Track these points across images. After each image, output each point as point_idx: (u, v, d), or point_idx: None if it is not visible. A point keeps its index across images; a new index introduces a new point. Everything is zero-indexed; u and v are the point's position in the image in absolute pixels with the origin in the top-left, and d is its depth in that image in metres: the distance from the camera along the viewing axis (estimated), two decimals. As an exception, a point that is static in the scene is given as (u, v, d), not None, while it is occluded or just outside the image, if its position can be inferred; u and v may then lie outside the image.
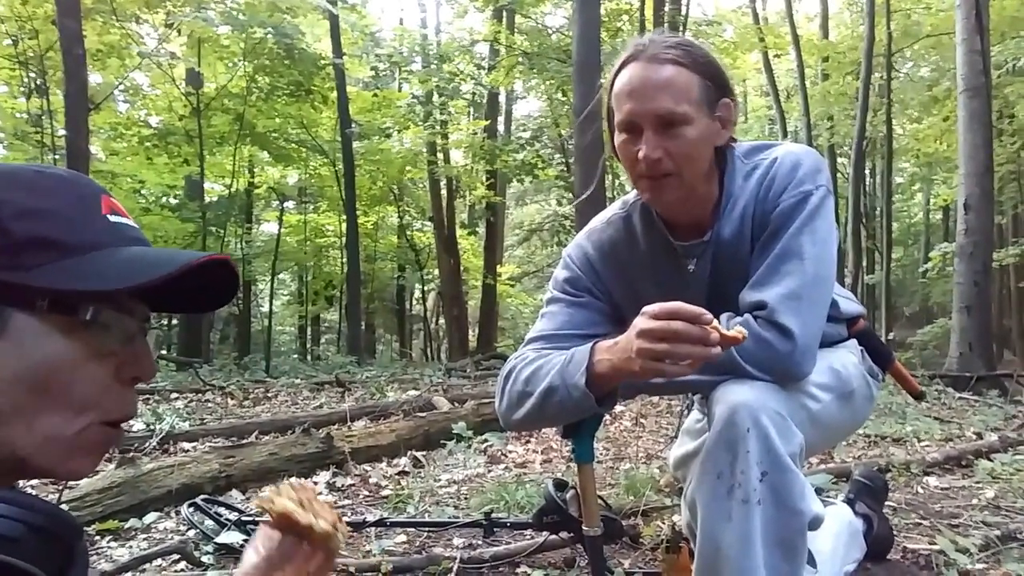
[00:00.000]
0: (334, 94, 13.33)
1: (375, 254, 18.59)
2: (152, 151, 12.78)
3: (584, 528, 1.58)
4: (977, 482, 3.12)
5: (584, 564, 2.06)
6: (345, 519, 2.40)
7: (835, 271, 1.41)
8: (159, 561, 2.17)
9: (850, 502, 2.09)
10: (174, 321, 13.45)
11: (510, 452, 3.86)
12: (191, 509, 2.47)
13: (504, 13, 14.96)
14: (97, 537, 2.38)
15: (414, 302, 22.72)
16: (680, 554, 1.73)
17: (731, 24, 17.57)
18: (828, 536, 1.78)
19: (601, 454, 3.78)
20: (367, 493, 3.08)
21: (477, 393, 5.92)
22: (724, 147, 1.42)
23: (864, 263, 17.05)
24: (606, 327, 1.49)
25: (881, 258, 16.03)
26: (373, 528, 2.43)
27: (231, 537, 2.21)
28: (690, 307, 1.12)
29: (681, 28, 12.80)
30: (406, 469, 3.52)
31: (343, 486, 3.16)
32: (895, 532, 2.21)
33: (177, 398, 6.46)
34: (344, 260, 15.25)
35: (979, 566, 2.01)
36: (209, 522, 2.37)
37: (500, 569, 2.09)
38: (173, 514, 2.69)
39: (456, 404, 5.12)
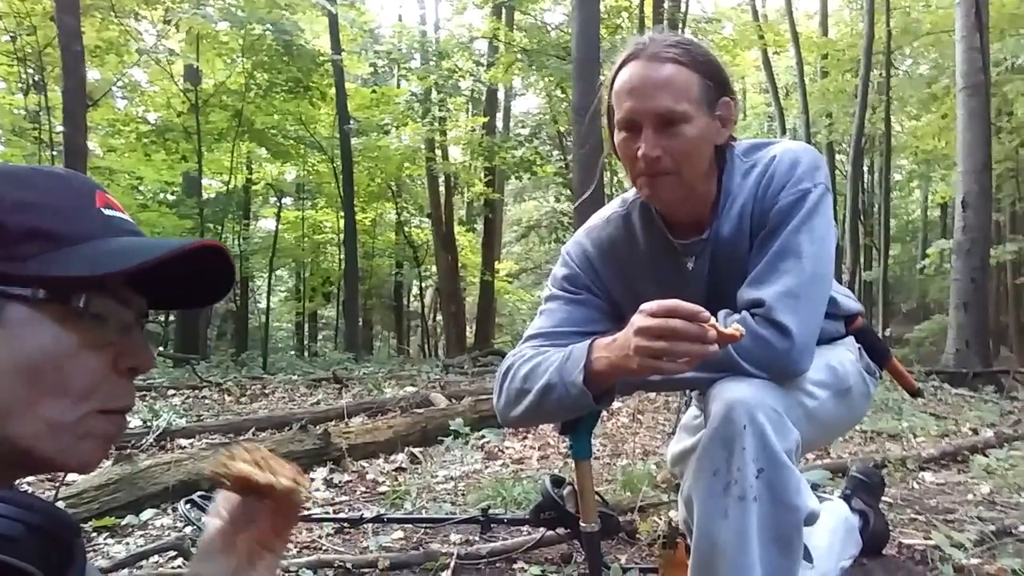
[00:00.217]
0: (333, 91, 13.31)
1: (373, 250, 18.59)
2: (150, 147, 12.76)
3: (581, 524, 1.58)
4: (973, 478, 3.13)
5: (581, 560, 2.06)
6: (342, 515, 2.40)
7: (833, 269, 1.41)
8: (156, 558, 2.17)
9: (846, 498, 2.10)
10: (171, 317, 13.43)
11: (507, 448, 3.86)
12: (188, 506, 2.47)
13: (503, 10, 14.94)
14: (94, 534, 2.38)
15: (412, 298, 22.71)
16: (677, 550, 1.73)
17: (730, 21, 17.56)
18: (824, 532, 1.79)
19: (598, 450, 3.79)
20: (364, 489, 3.09)
21: (474, 389, 5.93)
22: (724, 146, 1.42)
23: (862, 260, 17.05)
24: (605, 325, 1.49)
25: (879, 255, 16.03)
26: (370, 524, 2.43)
27: (228, 533, 2.21)
28: (688, 305, 1.12)
29: (680, 25, 12.78)
30: (403, 465, 3.52)
31: (340, 482, 3.16)
32: (891, 527, 2.22)
33: (174, 394, 6.46)
34: (342, 256, 15.24)
35: (974, 561, 2.01)
36: (206, 519, 2.36)
37: (497, 565, 2.09)
38: (170, 511, 2.69)
39: (453, 400, 5.13)
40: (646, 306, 1.16)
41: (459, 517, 2.44)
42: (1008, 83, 12.31)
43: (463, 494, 2.93)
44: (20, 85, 11.22)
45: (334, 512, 2.65)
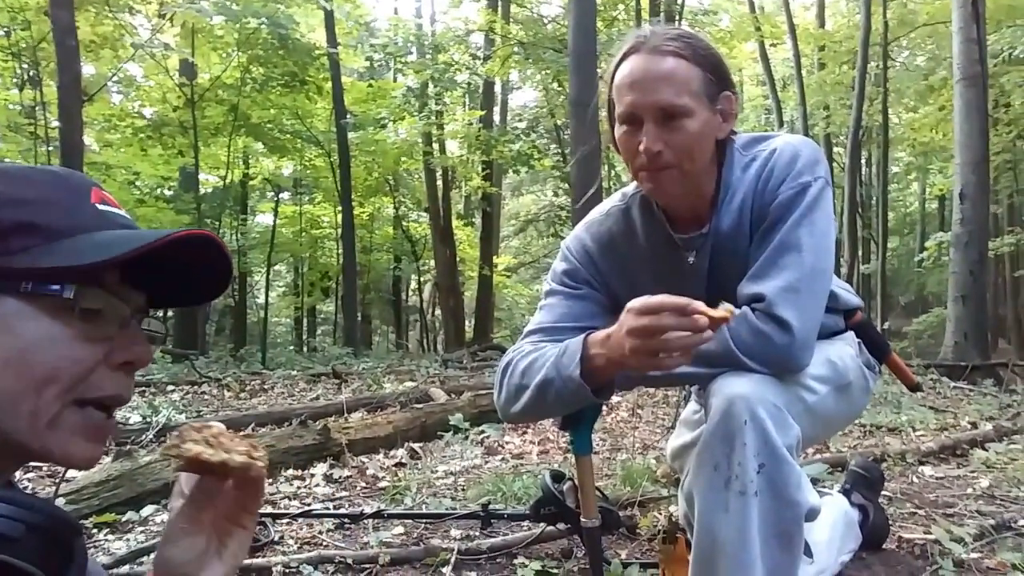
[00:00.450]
0: (329, 85, 13.27)
1: (371, 245, 18.57)
2: (146, 142, 12.73)
3: (581, 519, 1.58)
4: (972, 471, 3.14)
5: (581, 555, 2.07)
6: (342, 511, 2.40)
7: (833, 263, 1.41)
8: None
9: (846, 492, 2.10)
10: (169, 313, 13.43)
11: (507, 443, 3.87)
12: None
13: (499, 2, 14.89)
14: (95, 530, 2.37)
15: (410, 293, 22.71)
16: (677, 545, 1.73)
17: (727, 13, 17.52)
18: (824, 526, 1.79)
19: (598, 445, 3.79)
20: (364, 485, 3.08)
21: (474, 384, 5.93)
22: (724, 140, 1.42)
23: (860, 252, 17.08)
24: (605, 319, 1.49)
25: (877, 247, 16.05)
26: (370, 520, 2.43)
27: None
28: (674, 299, 1.11)
29: (677, 17, 12.75)
30: (403, 461, 3.52)
31: (340, 478, 3.16)
32: (891, 522, 2.22)
33: (173, 390, 6.46)
34: (340, 251, 15.24)
35: (974, 555, 2.02)
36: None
37: (497, 560, 2.09)
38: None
39: (453, 395, 5.13)
40: (633, 305, 1.15)
41: (459, 512, 2.44)
42: (1005, 74, 12.31)
43: (463, 489, 2.93)
44: (15, 80, 11.17)
45: (334, 508, 2.65)
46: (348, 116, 13.32)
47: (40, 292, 0.64)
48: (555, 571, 1.98)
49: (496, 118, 17.58)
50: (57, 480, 2.97)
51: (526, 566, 1.98)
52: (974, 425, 4.35)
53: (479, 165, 16.39)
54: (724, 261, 1.43)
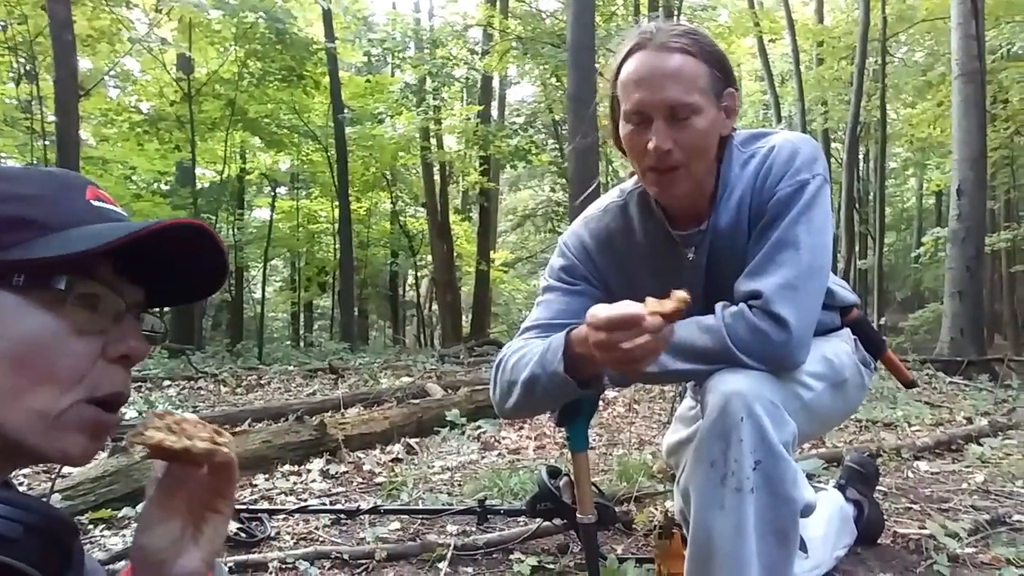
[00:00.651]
0: (326, 79, 13.25)
1: (368, 240, 18.57)
2: (143, 137, 12.70)
3: (577, 515, 1.58)
4: (967, 467, 3.14)
5: (577, 550, 2.07)
6: (339, 507, 2.40)
7: (831, 260, 1.41)
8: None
9: (841, 487, 2.11)
10: (166, 308, 13.39)
11: (503, 439, 3.87)
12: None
13: (497, -3, 14.86)
14: (90, 526, 2.37)
15: (407, 288, 22.71)
16: (673, 540, 1.73)
17: (726, 8, 17.50)
18: (819, 522, 1.80)
19: (594, 440, 3.80)
20: (361, 480, 3.08)
21: (470, 379, 5.93)
22: (725, 136, 1.42)
23: (857, 248, 17.10)
24: None
25: (874, 243, 16.08)
26: (367, 516, 2.43)
27: (225, 525, 2.21)
28: (621, 313, 1.09)
29: (676, 12, 12.72)
30: (400, 456, 3.52)
31: (337, 473, 3.16)
32: (886, 517, 2.23)
33: (169, 385, 6.45)
34: (337, 246, 15.24)
35: (968, 550, 2.03)
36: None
37: (494, 556, 2.10)
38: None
39: (449, 391, 5.12)
40: (589, 319, 1.14)
41: (456, 508, 2.44)
42: (1004, 70, 12.32)
43: (460, 485, 2.93)
44: (11, 75, 11.12)
45: (330, 503, 2.65)
46: (345, 111, 13.30)
47: (33, 285, 0.64)
48: (551, 566, 1.98)
49: (494, 113, 17.57)
50: (52, 477, 2.97)
51: (522, 561, 1.99)
52: (969, 420, 4.36)
53: (477, 160, 16.37)
54: (722, 258, 1.43)
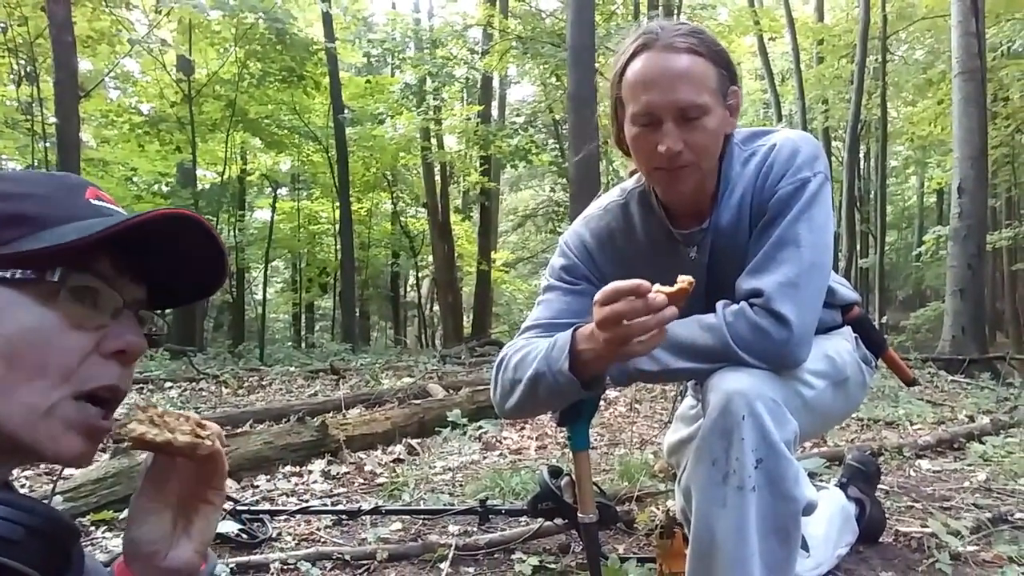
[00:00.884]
0: (326, 80, 13.24)
1: (369, 241, 18.57)
2: (144, 138, 12.69)
3: (579, 514, 1.58)
4: (969, 465, 3.14)
5: (579, 550, 2.07)
6: (340, 507, 2.39)
7: (832, 258, 1.40)
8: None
9: (843, 486, 2.10)
10: (167, 309, 13.39)
11: (505, 439, 3.87)
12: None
13: (497, -3, 14.85)
14: (92, 528, 2.37)
15: (408, 289, 22.72)
16: (674, 539, 1.73)
17: (726, 7, 17.49)
18: (821, 520, 1.80)
19: (596, 440, 3.80)
20: (362, 481, 3.08)
21: (472, 380, 5.93)
22: (726, 134, 1.42)
23: (858, 247, 17.09)
24: None
25: (875, 242, 16.05)
26: (368, 516, 2.43)
27: (226, 526, 2.21)
28: (626, 283, 1.11)
29: (676, 11, 12.72)
30: (401, 457, 3.52)
31: (338, 474, 3.16)
32: (887, 515, 2.23)
33: (171, 387, 6.45)
34: (338, 247, 15.23)
35: (970, 548, 2.02)
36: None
37: (495, 556, 2.09)
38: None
39: (451, 391, 5.12)
40: (596, 296, 1.15)
41: (457, 508, 2.44)
42: (1004, 68, 12.30)
43: (461, 485, 2.93)
44: (12, 76, 11.13)
45: (332, 504, 2.65)
46: (346, 112, 13.29)
47: (27, 278, 0.64)
48: (553, 566, 1.98)
49: (494, 113, 17.56)
50: (54, 479, 2.97)
51: (524, 561, 1.98)
52: (971, 419, 4.35)
53: (477, 160, 16.37)
54: (724, 256, 1.43)
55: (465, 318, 18.07)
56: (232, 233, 14.92)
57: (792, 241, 1.33)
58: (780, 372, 1.29)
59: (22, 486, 2.89)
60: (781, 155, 1.38)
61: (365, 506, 2.49)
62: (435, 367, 7.89)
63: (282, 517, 2.45)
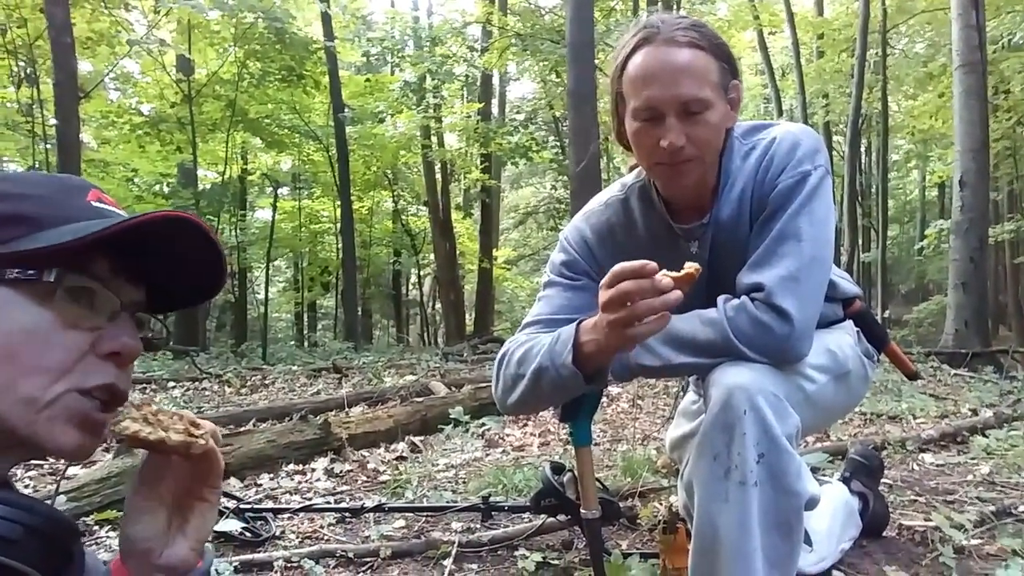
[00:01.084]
0: (326, 79, 13.23)
1: (370, 239, 18.57)
2: (144, 139, 12.69)
3: (582, 511, 1.58)
4: (972, 458, 3.14)
5: (582, 546, 2.07)
6: (343, 505, 2.40)
7: (833, 252, 1.40)
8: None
9: (846, 480, 2.10)
10: (167, 313, 13.40)
11: (508, 436, 3.87)
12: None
13: (496, -6, 14.84)
14: (96, 527, 2.38)
15: (410, 287, 22.74)
16: (677, 535, 1.73)
17: (725, 2, 17.44)
18: (824, 515, 1.79)
19: (598, 436, 3.80)
20: (365, 479, 3.09)
21: (474, 377, 5.93)
22: (727, 128, 1.41)
23: (860, 241, 17.06)
24: None
25: (877, 236, 16.03)
26: (372, 514, 2.43)
27: (229, 525, 2.21)
28: (631, 264, 1.10)
29: (675, 6, 12.70)
30: (404, 454, 3.53)
31: (341, 472, 3.16)
32: (891, 509, 2.22)
33: (174, 387, 6.46)
34: (339, 246, 15.22)
35: (974, 542, 2.02)
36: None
37: (498, 552, 2.10)
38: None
39: (453, 389, 5.13)
40: (604, 279, 1.15)
41: (460, 505, 2.44)
42: (1005, 60, 12.26)
43: (464, 482, 2.93)
44: (12, 78, 11.13)
45: (335, 502, 2.65)
46: (346, 110, 13.29)
47: (24, 278, 0.64)
48: (556, 562, 1.98)
49: (494, 110, 17.56)
50: (57, 478, 2.97)
51: (527, 558, 1.98)
52: (974, 412, 4.35)
53: (478, 158, 16.37)
54: (724, 250, 1.43)
55: (467, 316, 18.07)
56: (234, 233, 14.92)
57: (793, 235, 1.32)
58: (781, 366, 1.29)
59: (25, 486, 2.89)
60: (781, 148, 1.38)
61: (368, 504, 2.49)
62: (437, 365, 7.90)
63: (285, 515, 2.45)
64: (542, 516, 2.10)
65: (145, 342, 0.73)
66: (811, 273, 1.32)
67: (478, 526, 2.33)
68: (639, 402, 4.81)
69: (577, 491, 1.66)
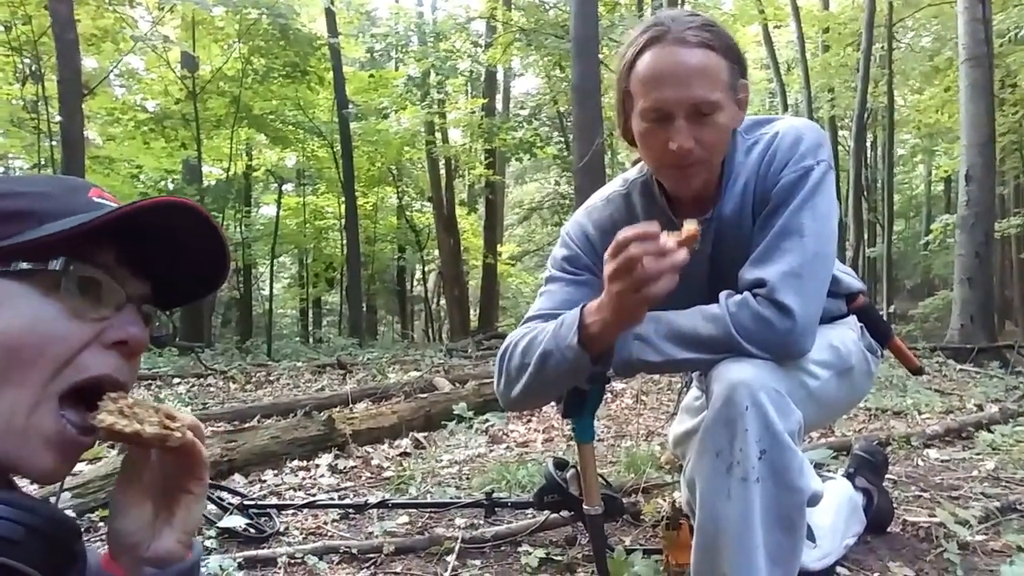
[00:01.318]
0: (330, 75, 13.23)
1: (375, 235, 18.57)
2: (149, 135, 12.73)
3: (585, 507, 1.58)
4: (977, 454, 3.12)
5: (585, 542, 2.07)
6: (347, 501, 2.40)
7: (836, 248, 1.39)
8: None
9: (850, 476, 2.10)
10: (174, 309, 13.43)
11: (511, 432, 3.87)
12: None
13: (500, -11, 14.80)
14: (101, 524, 2.38)
15: (415, 283, 22.73)
16: (680, 531, 1.73)
17: (730, -4, 17.36)
18: (828, 510, 1.79)
19: (602, 432, 3.79)
20: (369, 475, 3.09)
21: (478, 373, 5.93)
22: None
23: (865, 236, 17.00)
24: None
25: (882, 231, 15.98)
26: (375, 510, 2.44)
27: (234, 521, 2.22)
28: (633, 229, 1.10)
29: (681, 2, 12.65)
30: (408, 450, 3.53)
31: (345, 468, 3.17)
32: (895, 505, 2.22)
33: (179, 383, 6.48)
34: (344, 242, 15.23)
35: (979, 538, 2.01)
36: (212, 507, 2.38)
37: (502, 548, 2.10)
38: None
39: (457, 384, 5.13)
40: (606, 254, 1.14)
41: (464, 501, 2.44)
42: (1011, 54, 12.18)
43: (468, 478, 2.94)
44: (17, 75, 11.16)
45: (339, 498, 2.66)
46: (350, 106, 13.28)
47: (30, 270, 0.65)
48: (559, 558, 1.98)
49: (499, 106, 17.53)
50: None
51: (530, 554, 1.99)
52: (980, 407, 4.33)
53: (482, 153, 16.35)
54: (727, 246, 1.42)
55: (471, 312, 18.08)
56: (238, 229, 14.95)
57: (796, 230, 1.32)
58: (784, 362, 1.28)
59: (25, 488, 2.90)
60: (784, 143, 1.37)
61: (372, 500, 2.50)
62: (441, 361, 7.90)
63: (289, 511, 2.46)
64: (545, 512, 2.10)
65: (151, 339, 0.73)
66: (814, 269, 1.31)
67: (481, 522, 2.33)
68: (643, 398, 4.81)
69: (580, 487, 1.66)
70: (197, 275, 0.79)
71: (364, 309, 16.13)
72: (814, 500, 1.26)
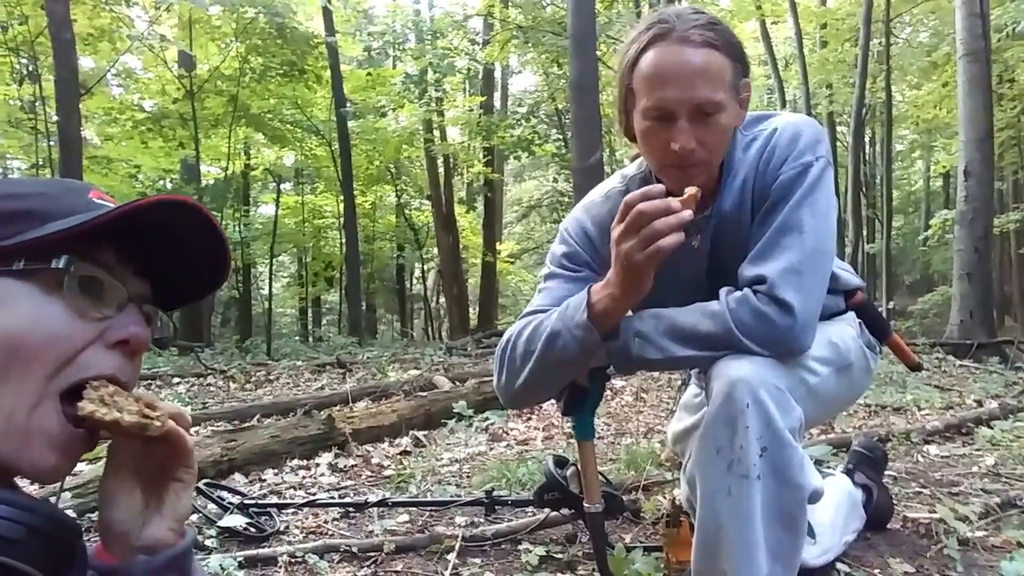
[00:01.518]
0: (328, 73, 13.21)
1: (374, 234, 18.56)
2: (147, 135, 12.71)
3: (585, 504, 1.58)
4: (977, 450, 3.13)
5: (585, 540, 2.07)
6: (347, 500, 2.40)
7: (835, 244, 1.39)
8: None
9: (849, 472, 2.10)
10: (175, 309, 13.43)
11: (511, 430, 3.87)
12: (193, 493, 2.47)
13: (497, -14, 14.78)
14: (101, 523, 2.38)
15: (414, 281, 22.72)
16: (681, 528, 1.73)
17: (728, -8, 17.34)
18: (828, 507, 1.79)
19: (602, 430, 3.80)
20: (369, 474, 3.09)
21: (478, 371, 5.93)
22: None
23: (864, 232, 16.99)
24: None
25: (881, 227, 15.94)
26: (375, 508, 2.44)
27: (234, 520, 2.22)
28: (637, 192, 1.17)
29: (677, -2, 12.61)
30: (408, 449, 3.53)
31: (345, 467, 3.17)
32: (895, 501, 2.22)
33: (179, 383, 6.48)
34: (343, 241, 15.22)
35: (979, 534, 2.01)
36: (212, 506, 2.38)
37: (502, 546, 2.10)
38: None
39: (457, 383, 5.13)
40: (616, 219, 1.20)
41: (464, 499, 2.44)
42: (1009, 49, 12.17)
43: (468, 476, 2.94)
44: (14, 75, 11.14)
45: (339, 497, 2.66)
46: (348, 105, 13.27)
47: (32, 268, 0.65)
48: (560, 556, 1.98)
49: (496, 103, 17.51)
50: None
51: (531, 552, 1.99)
52: (979, 403, 4.33)
53: (480, 151, 16.35)
54: (726, 243, 1.42)
55: (471, 310, 18.07)
56: (237, 228, 14.93)
57: (795, 227, 1.32)
58: (784, 359, 1.28)
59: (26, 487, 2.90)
60: (783, 139, 1.37)
61: (372, 498, 2.50)
62: (441, 359, 7.90)
63: (290, 510, 2.46)
64: (545, 510, 2.10)
65: (152, 340, 0.74)
66: (813, 265, 1.31)
67: (482, 520, 2.33)
68: (643, 395, 4.81)
69: (580, 485, 1.66)
70: (197, 274, 0.79)
71: (363, 308, 16.13)
72: (815, 497, 1.26)
